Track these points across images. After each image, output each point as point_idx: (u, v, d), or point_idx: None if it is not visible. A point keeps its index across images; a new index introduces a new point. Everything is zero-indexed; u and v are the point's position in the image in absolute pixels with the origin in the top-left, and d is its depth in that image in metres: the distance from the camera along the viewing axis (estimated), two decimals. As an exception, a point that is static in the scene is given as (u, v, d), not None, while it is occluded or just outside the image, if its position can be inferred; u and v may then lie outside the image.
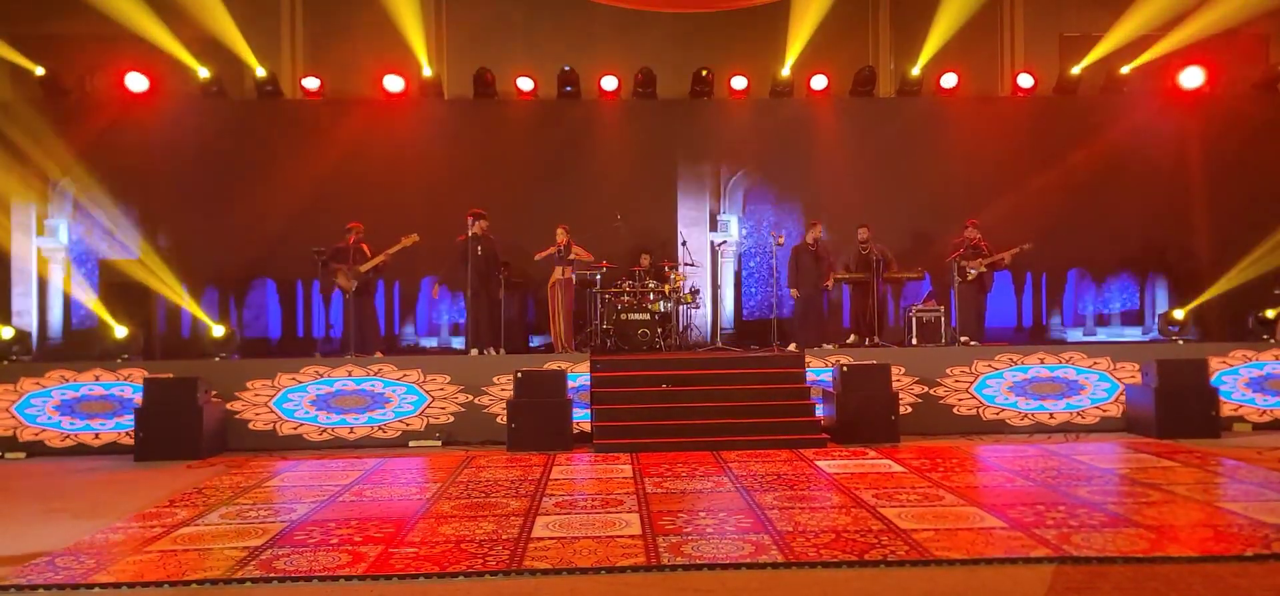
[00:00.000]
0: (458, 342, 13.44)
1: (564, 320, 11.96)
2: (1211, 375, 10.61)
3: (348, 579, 5.15)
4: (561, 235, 12.01)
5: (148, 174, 13.35)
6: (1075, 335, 13.83)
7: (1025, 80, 13.99)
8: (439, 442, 10.43)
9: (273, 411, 10.47)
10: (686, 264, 13.21)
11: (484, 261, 11.66)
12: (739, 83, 13.79)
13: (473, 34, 14.40)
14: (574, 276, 12.17)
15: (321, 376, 10.55)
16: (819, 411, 10.42)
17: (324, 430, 10.48)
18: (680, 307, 12.69)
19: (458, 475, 8.43)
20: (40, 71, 13.01)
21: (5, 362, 11.07)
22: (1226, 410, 10.79)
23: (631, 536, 5.99)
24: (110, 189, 12.96)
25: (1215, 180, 13.79)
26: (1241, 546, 5.57)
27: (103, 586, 5.12)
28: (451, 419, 10.55)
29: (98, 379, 10.45)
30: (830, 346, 11.69)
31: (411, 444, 10.42)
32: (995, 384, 10.95)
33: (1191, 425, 10.05)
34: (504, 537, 6.01)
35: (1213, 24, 13.19)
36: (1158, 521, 6.18)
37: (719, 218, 14.10)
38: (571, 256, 11.99)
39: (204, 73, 13.27)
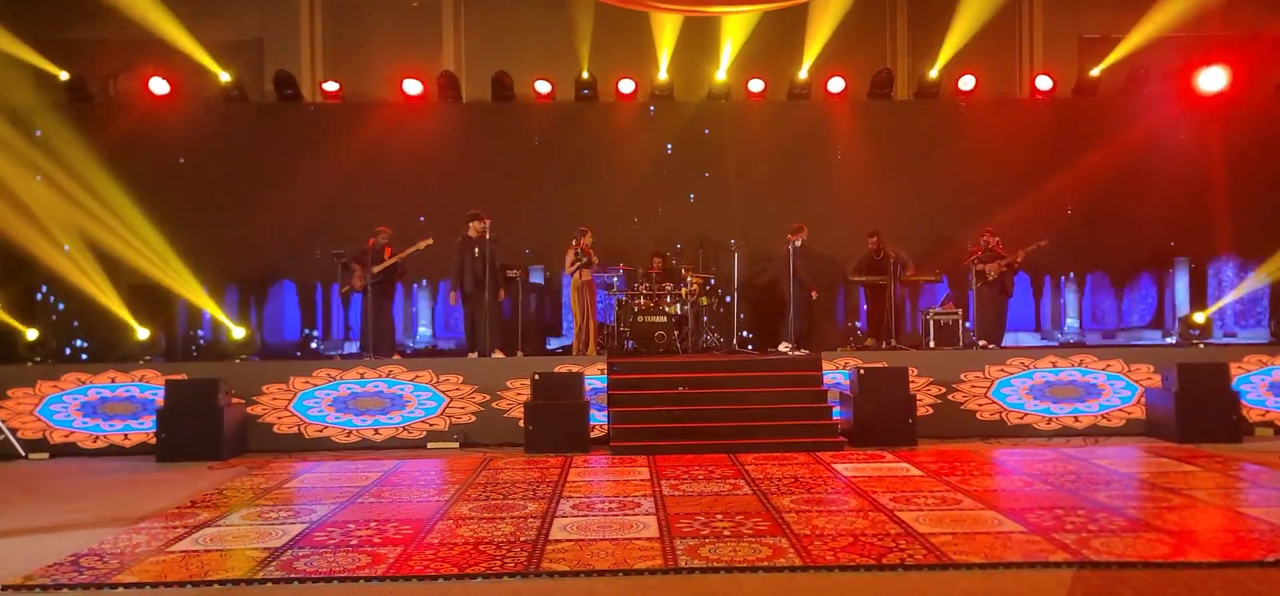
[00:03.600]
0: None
1: (592, 322, 11.99)
2: (1232, 379, 10.54)
3: (367, 580, 5.19)
4: (586, 238, 12.03)
5: (169, 176, 13.46)
6: (1094, 338, 13.74)
7: (1044, 82, 13.93)
8: (457, 444, 10.47)
9: (292, 413, 10.54)
10: (702, 266, 13.23)
11: (480, 263, 11.60)
12: (756, 85, 13.80)
13: (490, 37, 14.46)
14: (595, 279, 12.22)
15: (341, 378, 10.61)
16: (836, 414, 10.41)
17: (343, 431, 10.54)
18: (696, 310, 12.70)
19: (476, 477, 8.47)
20: (65, 76, 13.15)
21: (29, 364, 11.19)
22: (1254, 415, 10.79)
23: (649, 538, 6.00)
24: (132, 192, 13.08)
25: (1236, 182, 13.69)
26: (1263, 552, 5.53)
27: (126, 586, 5.17)
28: (469, 421, 10.59)
29: (120, 380, 10.55)
30: (838, 350, 11.69)
31: (430, 445, 10.47)
32: (1014, 387, 10.91)
33: (1212, 429, 9.98)
34: (522, 539, 6.03)
35: (1234, 25, 13.09)
36: (1178, 526, 6.15)
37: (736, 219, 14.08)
38: (592, 260, 12.02)
39: (225, 76, 13.38)
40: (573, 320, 12.12)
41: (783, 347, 12.04)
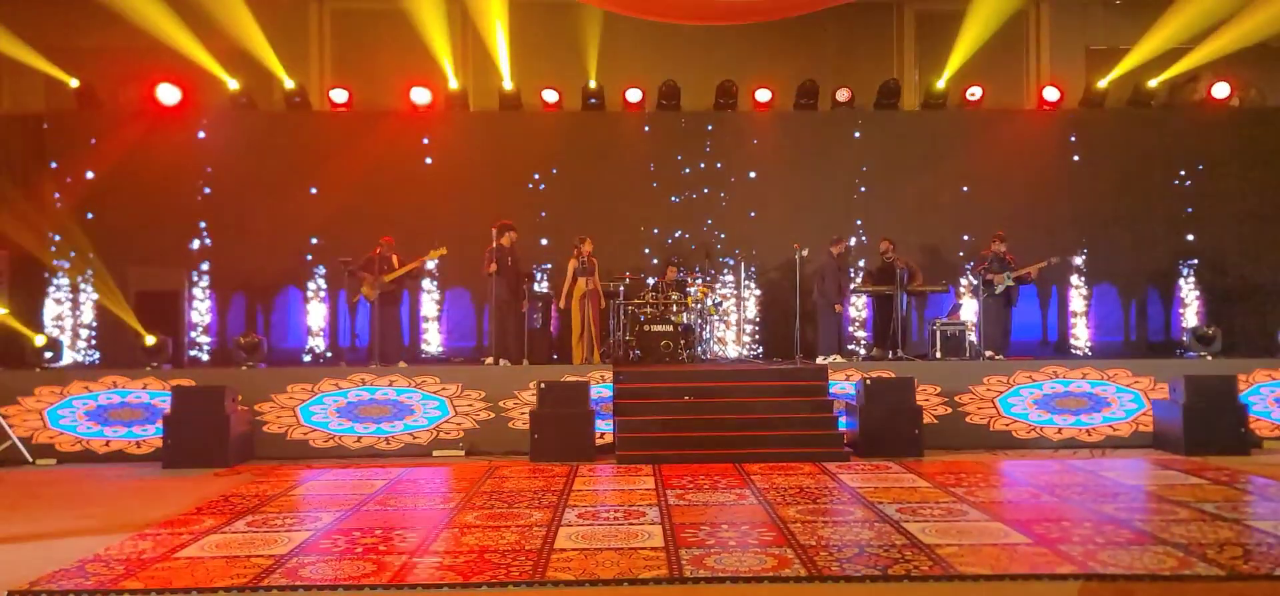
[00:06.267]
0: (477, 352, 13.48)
1: (595, 331, 11.99)
2: (1241, 391, 10.50)
3: (372, 588, 5.19)
4: (587, 247, 12.05)
5: (178, 183, 13.51)
6: (1102, 350, 13.70)
7: (1051, 93, 13.92)
8: (462, 452, 10.47)
9: (299, 420, 10.56)
10: (710, 276, 13.24)
11: (512, 273, 11.72)
12: (763, 95, 13.80)
13: (497, 46, 14.50)
14: (599, 287, 12.22)
15: (347, 386, 10.63)
16: (842, 425, 10.39)
17: (349, 439, 10.55)
18: (703, 320, 12.70)
19: (481, 485, 8.47)
20: (74, 84, 13.21)
21: (37, 370, 11.23)
22: (1262, 428, 10.76)
23: (654, 548, 6.00)
24: (141, 199, 13.12)
25: (1245, 194, 13.66)
26: (1271, 565, 5.51)
27: (131, 592, 5.18)
28: (475, 429, 10.60)
29: (127, 387, 10.58)
30: (837, 358, 11.67)
31: (435, 453, 10.47)
32: (1020, 398, 10.88)
33: (1220, 441, 9.95)
34: (527, 548, 6.03)
35: (1242, 37, 13.06)
36: (1185, 539, 6.13)
37: (743, 229, 14.07)
38: (593, 268, 12.03)
39: (234, 84, 13.43)
40: (573, 328, 12.13)
41: (820, 360, 11.98)
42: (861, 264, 13.61)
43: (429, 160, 13.79)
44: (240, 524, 6.95)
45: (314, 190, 13.58)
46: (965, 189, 13.90)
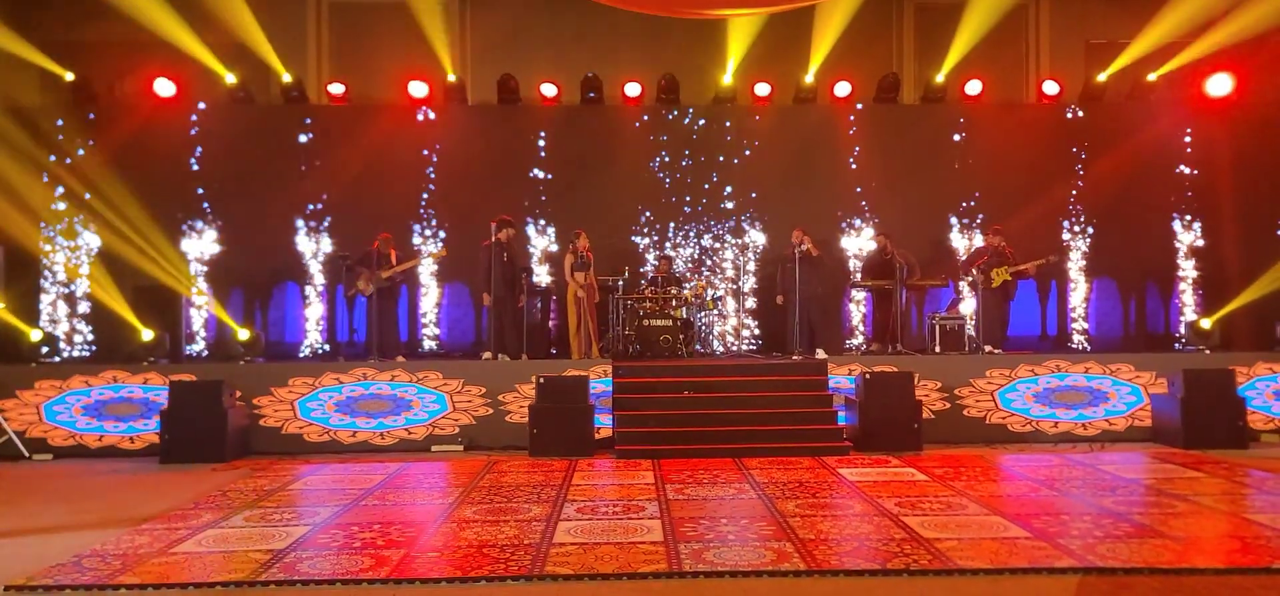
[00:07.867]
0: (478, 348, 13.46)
1: (592, 325, 11.98)
2: (1238, 384, 10.50)
3: (370, 582, 5.17)
4: (582, 241, 12.04)
5: (175, 178, 13.48)
6: (1100, 344, 13.70)
7: (1051, 87, 13.89)
8: (461, 447, 10.46)
9: (296, 415, 10.54)
10: (708, 270, 13.22)
11: (509, 268, 11.69)
12: (763, 89, 13.78)
13: (496, 39, 14.48)
14: (596, 282, 12.20)
15: (345, 380, 10.61)
16: (841, 419, 10.38)
17: (347, 434, 10.53)
18: (702, 315, 12.69)
19: (480, 480, 8.46)
20: (70, 77, 13.17)
21: (33, 365, 11.20)
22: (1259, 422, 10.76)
23: (653, 543, 5.98)
24: (137, 193, 13.09)
25: (1243, 188, 13.66)
26: (1269, 558, 5.51)
27: (128, 587, 5.16)
28: (473, 423, 10.58)
29: (124, 382, 10.55)
30: (821, 353, 11.66)
31: (434, 448, 10.46)
32: (1019, 392, 10.87)
33: (1218, 435, 9.97)
34: (526, 542, 6.02)
35: (1241, 30, 13.05)
36: (1184, 532, 6.13)
37: (742, 223, 14.06)
38: (589, 261, 12.02)
39: (231, 78, 13.39)
40: (570, 322, 12.11)
41: (819, 354, 11.94)
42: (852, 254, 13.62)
43: (427, 153, 13.75)
44: (238, 519, 6.93)
45: (311, 184, 13.56)
46: (964, 183, 13.89)
